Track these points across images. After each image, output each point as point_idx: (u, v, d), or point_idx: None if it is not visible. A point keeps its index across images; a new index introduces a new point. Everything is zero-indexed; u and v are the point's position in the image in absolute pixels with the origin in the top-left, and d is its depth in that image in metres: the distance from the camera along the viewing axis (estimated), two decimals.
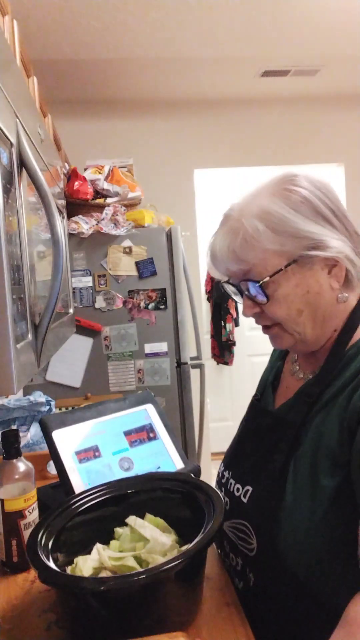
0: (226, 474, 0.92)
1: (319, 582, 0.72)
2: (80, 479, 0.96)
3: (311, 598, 0.73)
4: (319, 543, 0.71)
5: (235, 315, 3.86)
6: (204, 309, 3.77)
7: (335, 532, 0.71)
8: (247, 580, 0.81)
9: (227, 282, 0.86)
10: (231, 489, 0.87)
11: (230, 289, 0.88)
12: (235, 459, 0.92)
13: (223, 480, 0.92)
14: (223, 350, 3.84)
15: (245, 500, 0.83)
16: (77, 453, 0.99)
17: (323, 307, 0.80)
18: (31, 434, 1.55)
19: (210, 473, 3.12)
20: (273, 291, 0.79)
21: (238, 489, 0.85)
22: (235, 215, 0.81)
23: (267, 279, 0.78)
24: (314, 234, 0.77)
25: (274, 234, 0.77)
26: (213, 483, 0.93)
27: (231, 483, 0.88)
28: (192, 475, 0.97)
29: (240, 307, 3.47)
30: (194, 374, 2.46)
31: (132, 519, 0.82)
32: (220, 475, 0.94)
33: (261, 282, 0.78)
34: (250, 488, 0.83)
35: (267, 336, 0.87)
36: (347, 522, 0.71)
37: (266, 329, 0.85)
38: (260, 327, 0.87)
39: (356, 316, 0.82)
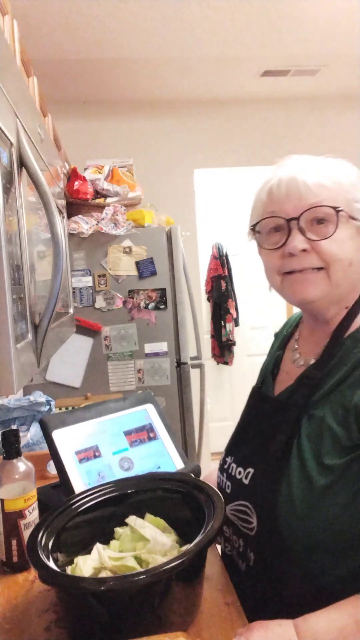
0: (228, 459, 0.93)
1: (317, 560, 0.73)
2: (80, 479, 0.96)
3: (309, 577, 0.74)
4: (318, 521, 0.72)
5: (235, 315, 3.86)
6: (204, 309, 3.77)
7: (334, 511, 0.72)
8: (248, 560, 0.82)
9: (274, 216, 0.83)
10: (232, 473, 0.89)
11: (264, 229, 0.86)
12: (237, 444, 0.94)
13: (225, 466, 0.93)
14: (223, 350, 3.85)
15: (246, 481, 0.84)
16: (77, 453, 0.99)
17: None
18: (31, 434, 1.55)
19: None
20: (335, 229, 0.79)
21: (240, 472, 0.87)
22: (310, 159, 0.84)
23: (342, 208, 0.79)
24: None
25: (351, 183, 0.81)
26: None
27: (232, 467, 0.90)
28: (192, 475, 0.97)
29: (240, 306, 3.45)
30: (194, 373, 2.46)
31: (132, 519, 0.82)
32: (222, 461, 0.96)
33: (339, 208, 0.79)
34: (251, 470, 0.84)
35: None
36: (349, 503, 0.71)
37: (302, 273, 0.81)
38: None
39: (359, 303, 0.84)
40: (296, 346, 0.95)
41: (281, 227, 0.83)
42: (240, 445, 0.92)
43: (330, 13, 2.40)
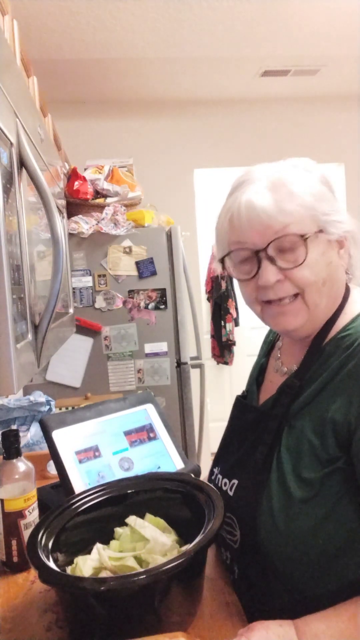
0: (215, 470, 0.93)
1: (301, 574, 0.72)
2: (80, 479, 0.96)
3: (294, 591, 0.73)
4: (298, 535, 0.71)
5: (235, 315, 3.85)
6: (204, 309, 3.77)
7: (313, 524, 0.71)
8: (233, 574, 0.82)
9: (241, 249, 0.80)
10: (219, 484, 0.88)
11: (234, 260, 0.82)
12: (223, 455, 0.94)
13: (212, 477, 0.93)
14: (223, 350, 3.84)
15: (231, 493, 0.84)
16: (77, 453, 0.99)
17: (338, 283, 0.82)
18: (31, 434, 1.55)
19: None
20: (306, 254, 0.76)
21: (225, 483, 0.87)
22: (269, 175, 0.79)
23: (309, 234, 0.75)
24: (338, 212, 0.79)
25: (314, 197, 0.77)
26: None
27: (219, 478, 0.90)
28: (192, 475, 0.97)
29: (240, 306, 3.45)
30: (194, 373, 2.46)
31: (132, 519, 0.82)
32: (210, 472, 0.96)
33: (306, 236, 0.75)
34: (236, 481, 0.84)
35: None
36: (328, 517, 0.71)
37: (280, 305, 0.80)
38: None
39: (340, 309, 0.83)
40: (279, 355, 0.95)
41: (250, 257, 0.80)
42: (226, 455, 0.92)
43: (330, 13, 2.40)
